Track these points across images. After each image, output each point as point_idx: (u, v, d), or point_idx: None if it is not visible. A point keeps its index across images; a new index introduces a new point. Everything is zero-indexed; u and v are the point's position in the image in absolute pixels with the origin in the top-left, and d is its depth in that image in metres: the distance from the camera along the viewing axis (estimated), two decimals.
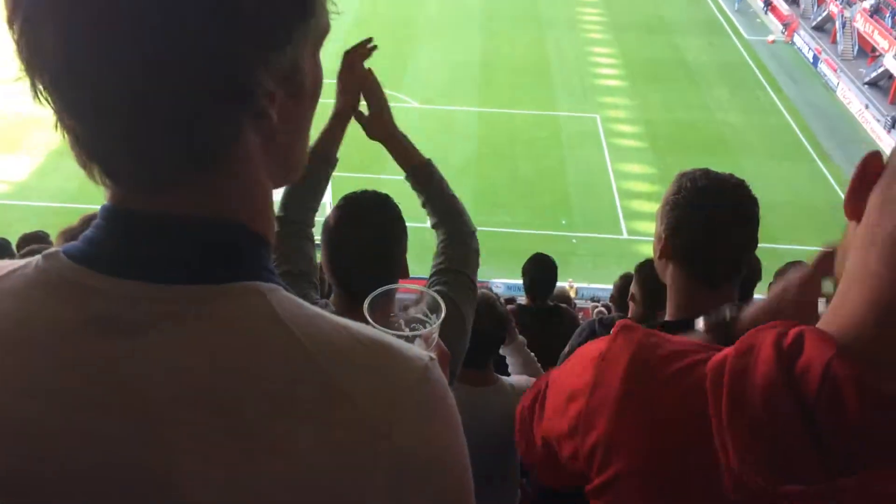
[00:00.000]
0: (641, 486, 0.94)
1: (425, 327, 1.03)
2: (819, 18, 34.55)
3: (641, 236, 19.36)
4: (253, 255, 0.70)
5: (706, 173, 1.80)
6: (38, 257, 0.70)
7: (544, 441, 1.14)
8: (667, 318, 1.85)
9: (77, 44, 0.60)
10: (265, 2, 0.63)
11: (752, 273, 3.67)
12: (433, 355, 0.72)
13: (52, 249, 0.69)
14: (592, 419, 0.99)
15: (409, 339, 1.02)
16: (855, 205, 0.79)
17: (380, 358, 0.68)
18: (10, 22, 0.62)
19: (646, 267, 3.84)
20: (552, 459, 1.10)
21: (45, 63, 0.62)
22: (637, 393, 0.94)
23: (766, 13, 35.83)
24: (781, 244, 17.84)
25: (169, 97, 0.61)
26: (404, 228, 1.91)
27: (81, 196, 19.53)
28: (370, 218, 1.83)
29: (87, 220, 2.51)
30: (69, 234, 2.44)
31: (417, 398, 0.67)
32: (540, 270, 4.81)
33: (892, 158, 0.77)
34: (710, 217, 1.74)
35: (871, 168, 0.78)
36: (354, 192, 1.90)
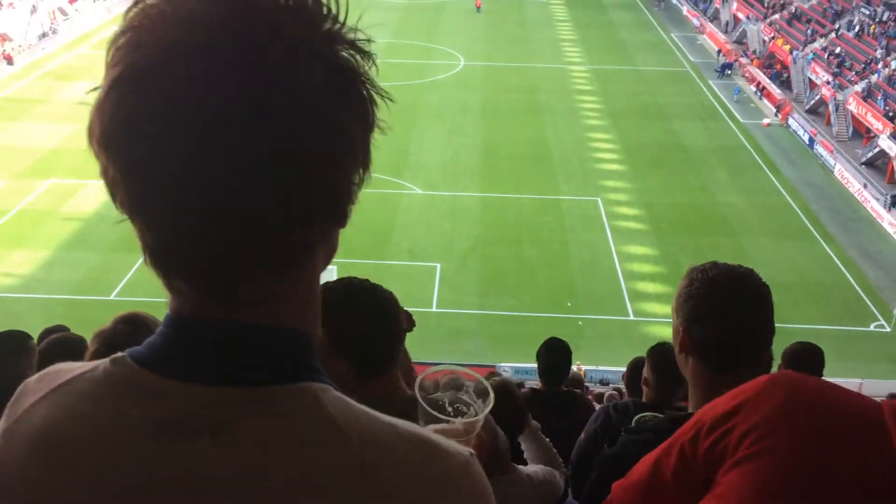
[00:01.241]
0: (789, 461, 1.19)
1: (469, 409, 1.03)
2: (812, 102, 35.40)
3: (648, 317, 19.28)
4: (306, 358, 0.76)
5: (715, 264, 1.85)
6: (105, 361, 0.75)
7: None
8: (690, 409, 1.84)
9: (145, 177, 0.67)
10: (339, 156, 0.71)
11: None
12: (472, 451, 0.76)
13: (119, 354, 0.75)
14: (757, 404, 1.26)
15: (452, 421, 1.03)
16: None
17: (424, 453, 0.72)
18: (98, 148, 0.69)
19: (657, 351, 3.80)
20: None
21: (116, 188, 0.69)
22: (809, 392, 1.26)
23: (760, 98, 36.73)
24: (789, 323, 17.73)
25: (241, 229, 0.67)
26: (397, 307, 1.98)
27: (85, 288, 19.60)
28: (365, 297, 1.93)
29: (121, 322, 2.51)
30: (104, 336, 2.46)
31: (460, 492, 0.72)
32: (554, 355, 4.78)
33: None
34: (726, 305, 1.77)
35: None
36: (343, 278, 1.98)
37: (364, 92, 0.74)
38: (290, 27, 0.68)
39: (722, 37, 45.42)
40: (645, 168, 28.19)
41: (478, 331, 19.05)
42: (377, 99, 0.77)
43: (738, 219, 24.88)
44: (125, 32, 0.68)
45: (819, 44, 38.68)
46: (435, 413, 1.02)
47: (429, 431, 0.75)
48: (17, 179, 25.68)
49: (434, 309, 19.75)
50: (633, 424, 2.08)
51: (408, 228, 23.39)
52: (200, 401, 0.69)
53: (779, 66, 39.41)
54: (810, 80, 36.80)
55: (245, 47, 0.65)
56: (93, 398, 0.73)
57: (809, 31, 39.91)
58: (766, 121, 33.83)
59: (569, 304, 20.02)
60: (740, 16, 46.27)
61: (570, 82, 37.55)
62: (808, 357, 4.09)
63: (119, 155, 0.67)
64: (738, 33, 45.51)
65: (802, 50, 38.46)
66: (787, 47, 39.51)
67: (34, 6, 42.94)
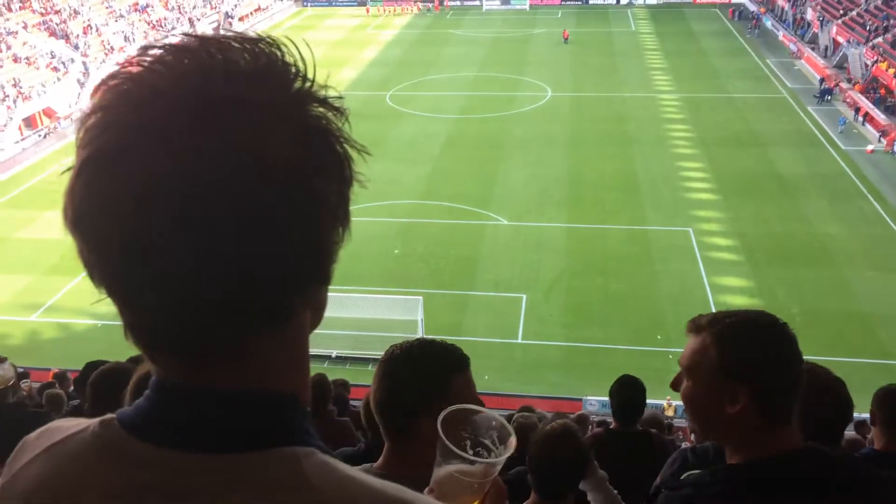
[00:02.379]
0: None
1: (489, 453, 1.02)
2: None
3: None
4: (291, 421, 0.75)
5: (733, 313, 1.85)
6: (95, 422, 0.77)
7: None
8: (736, 460, 1.79)
9: (119, 256, 0.67)
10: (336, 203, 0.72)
11: (842, 415, 3.45)
12: None
13: (108, 416, 0.77)
14: None
15: (472, 463, 1.02)
16: None
17: None
18: (72, 228, 0.70)
19: None
20: None
21: (93, 268, 0.70)
22: None
23: (862, 124, 35.13)
24: None
25: (218, 302, 0.68)
26: (437, 379, 1.85)
27: None
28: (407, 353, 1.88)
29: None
30: (143, 375, 2.56)
31: None
32: (626, 393, 4.60)
33: None
34: (780, 352, 1.76)
35: None
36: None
37: (338, 149, 0.72)
38: (255, 95, 0.68)
39: (821, 62, 43.81)
40: (738, 197, 27.31)
41: (563, 363, 18.75)
42: (353, 153, 0.74)
43: (840, 250, 23.71)
44: (93, 113, 0.69)
45: None
46: (456, 450, 1.01)
47: (420, 496, 0.73)
48: None
49: (519, 340, 19.60)
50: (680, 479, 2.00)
51: (494, 260, 23.38)
52: (179, 469, 0.70)
53: (883, 91, 37.64)
54: None
55: (210, 125, 0.65)
56: (79, 462, 0.75)
57: None
58: (869, 147, 32.27)
59: (658, 337, 19.48)
60: (840, 40, 44.55)
61: (660, 111, 36.94)
62: None
63: (92, 235, 0.68)
64: (838, 58, 43.80)
65: None
66: (892, 71, 37.72)
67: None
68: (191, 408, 0.72)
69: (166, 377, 0.74)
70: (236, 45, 0.70)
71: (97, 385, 3.57)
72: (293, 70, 0.71)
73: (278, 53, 0.71)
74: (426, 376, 1.81)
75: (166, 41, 0.70)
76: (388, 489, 0.71)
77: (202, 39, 0.70)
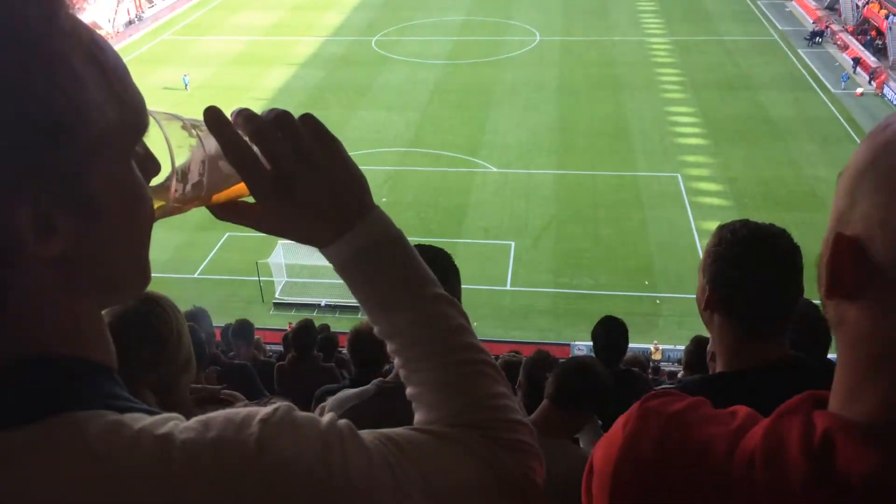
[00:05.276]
0: None
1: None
2: None
3: None
4: (65, 383, 0.65)
5: (745, 224, 1.84)
6: None
7: None
8: (718, 369, 1.82)
9: None
10: None
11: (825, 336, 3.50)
12: (271, 409, 0.68)
13: None
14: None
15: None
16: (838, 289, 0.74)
17: (204, 459, 0.63)
18: None
19: None
20: None
21: None
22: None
23: (854, 70, 34.85)
24: None
25: None
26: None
27: (172, 267, 20.43)
28: None
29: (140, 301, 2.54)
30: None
31: (255, 478, 0.64)
32: (608, 333, 4.76)
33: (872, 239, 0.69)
34: (751, 266, 1.74)
35: (843, 247, 0.72)
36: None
37: None
38: None
39: (812, 3, 43.29)
40: (728, 142, 27.25)
41: (552, 309, 18.93)
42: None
43: (829, 194, 23.77)
44: None
45: None
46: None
47: (213, 429, 0.65)
48: None
49: (508, 287, 19.73)
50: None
51: (482, 207, 23.36)
52: None
53: (874, 33, 37.32)
54: None
55: None
56: None
57: None
58: (859, 90, 32.16)
59: (646, 283, 19.65)
60: None
61: (650, 55, 36.52)
62: None
63: None
64: None
65: None
66: (884, 12, 37.34)
67: None
68: None
69: None
70: None
71: None
72: None
73: None
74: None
75: None
76: (182, 433, 0.64)
77: None
